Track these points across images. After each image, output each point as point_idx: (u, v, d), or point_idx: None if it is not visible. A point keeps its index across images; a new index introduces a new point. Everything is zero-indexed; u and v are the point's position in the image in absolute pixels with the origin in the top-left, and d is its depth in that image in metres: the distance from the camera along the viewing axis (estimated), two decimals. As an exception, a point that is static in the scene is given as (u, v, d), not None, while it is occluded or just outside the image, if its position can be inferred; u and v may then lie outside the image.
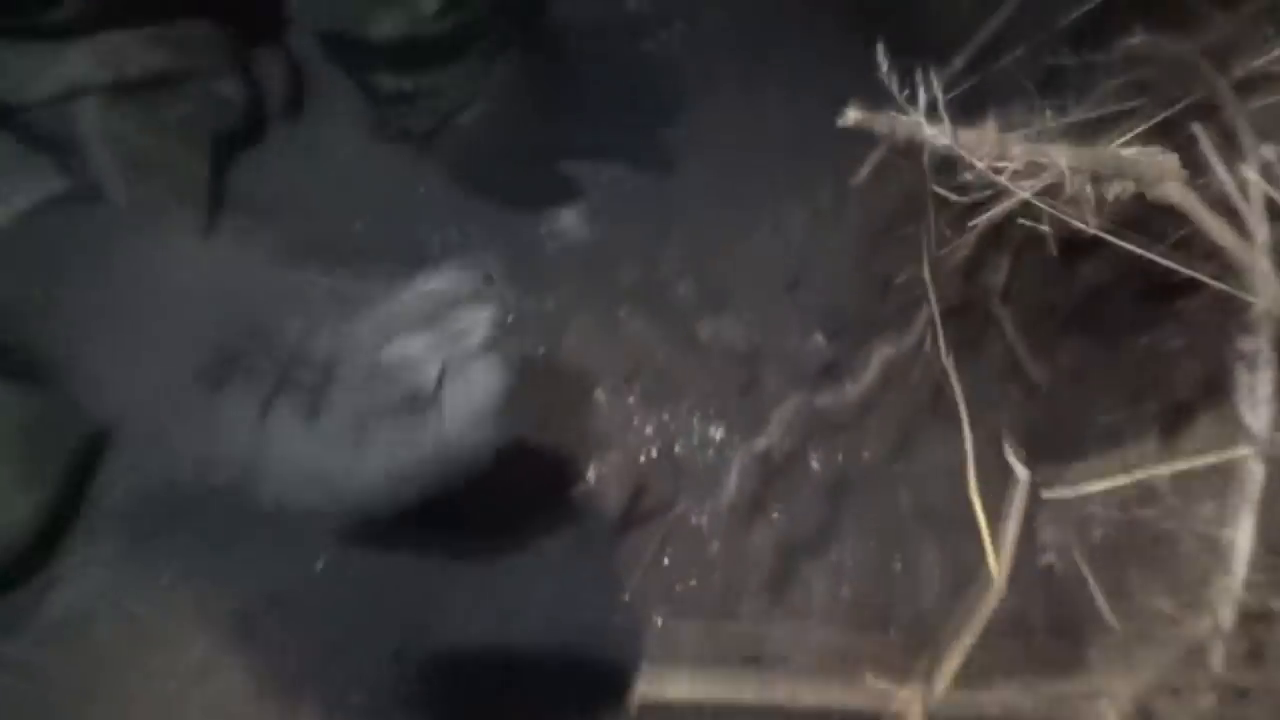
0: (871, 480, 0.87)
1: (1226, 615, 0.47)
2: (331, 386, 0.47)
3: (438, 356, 0.49)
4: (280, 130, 0.81)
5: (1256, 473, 0.49)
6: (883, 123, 0.46)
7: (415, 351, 0.49)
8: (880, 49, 0.48)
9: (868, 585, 0.84)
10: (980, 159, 0.53)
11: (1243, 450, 0.50)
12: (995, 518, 0.87)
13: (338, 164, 0.80)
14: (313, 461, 0.47)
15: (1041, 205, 0.51)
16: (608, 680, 0.76)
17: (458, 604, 0.73)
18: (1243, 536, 0.48)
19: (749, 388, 0.83)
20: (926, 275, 0.70)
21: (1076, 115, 0.66)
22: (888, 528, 0.87)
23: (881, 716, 0.41)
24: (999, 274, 0.80)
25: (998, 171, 0.55)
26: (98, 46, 0.63)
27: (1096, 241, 0.76)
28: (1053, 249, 0.74)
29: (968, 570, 0.86)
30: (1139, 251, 0.55)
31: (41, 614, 0.68)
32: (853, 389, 0.74)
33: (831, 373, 0.86)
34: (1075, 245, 0.80)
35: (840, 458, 0.86)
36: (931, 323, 0.78)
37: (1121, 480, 0.56)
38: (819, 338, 0.85)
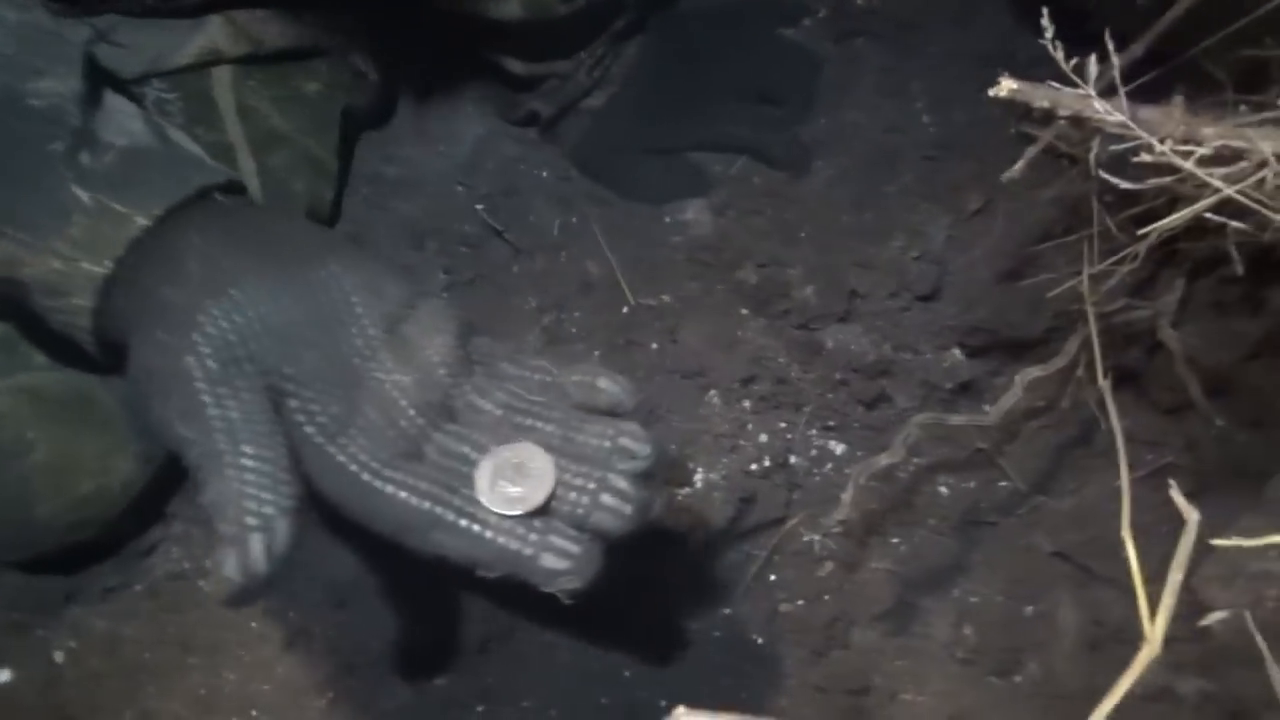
0: (1006, 514, 0.79)
1: None
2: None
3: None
4: (405, 113, 0.81)
5: None
6: (1042, 95, 0.40)
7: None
8: (1045, 14, 0.42)
9: (994, 629, 0.77)
10: (1161, 141, 0.46)
11: None
12: (1151, 569, 0.78)
13: (460, 147, 0.79)
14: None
15: (1243, 204, 0.44)
16: (700, 699, 0.71)
17: (544, 608, 0.70)
18: None
19: (875, 403, 0.77)
20: (1085, 290, 0.62)
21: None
22: (1020, 568, 0.79)
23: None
24: (1172, 294, 0.71)
25: (1181, 161, 0.47)
26: (236, 18, 0.64)
27: (1293, 260, 0.66)
28: (1238, 267, 0.65)
29: (1109, 625, 0.77)
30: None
31: (148, 570, 0.69)
32: (992, 412, 0.67)
33: (968, 392, 0.79)
34: (1266, 263, 0.70)
35: (973, 486, 0.79)
36: (1088, 344, 0.70)
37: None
38: (956, 353, 0.78)
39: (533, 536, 0.45)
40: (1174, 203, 0.62)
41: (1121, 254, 0.64)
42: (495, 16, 0.67)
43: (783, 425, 0.76)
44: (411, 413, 0.47)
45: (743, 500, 0.73)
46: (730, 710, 0.27)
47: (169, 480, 0.68)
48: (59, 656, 0.68)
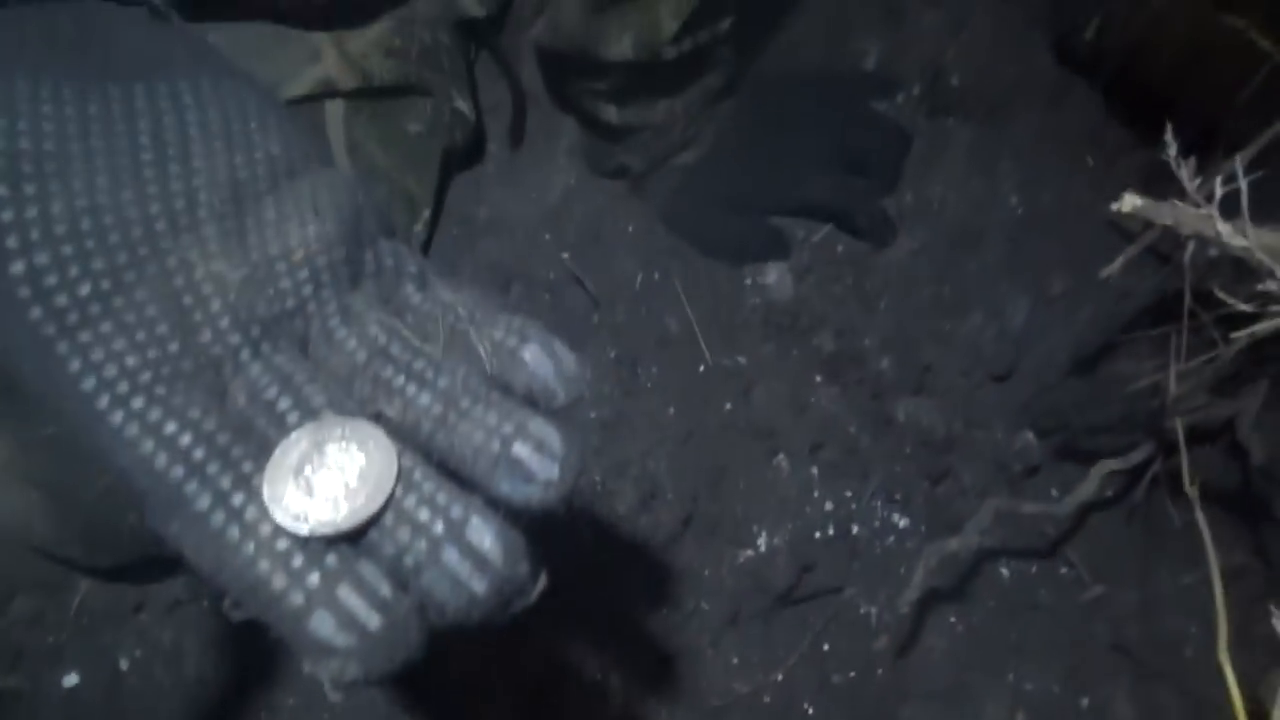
0: (1067, 602, 0.78)
1: None
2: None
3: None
4: (498, 156, 0.83)
5: None
6: (1165, 213, 0.41)
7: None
8: (1169, 130, 0.43)
9: (1048, 718, 0.76)
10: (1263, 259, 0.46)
11: None
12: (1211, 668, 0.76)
13: (550, 194, 0.81)
14: None
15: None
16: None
17: (595, 667, 0.70)
18: None
19: (941, 478, 0.77)
20: (1173, 387, 0.62)
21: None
22: (1078, 658, 0.78)
23: None
24: (1256, 396, 0.70)
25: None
26: (348, 52, 0.66)
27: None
28: (1330, 377, 0.64)
29: (1165, 724, 0.76)
30: None
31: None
32: (1066, 502, 0.66)
33: (1037, 475, 0.78)
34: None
35: (1035, 571, 0.78)
36: (1164, 441, 0.69)
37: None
38: (1028, 436, 0.77)
39: (313, 577, 0.28)
40: (1267, 303, 0.62)
41: (1210, 355, 0.63)
42: (606, 57, 0.69)
43: (848, 494, 0.76)
44: (223, 322, 0.31)
45: (803, 567, 0.73)
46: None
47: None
48: (124, 664, 0.69)
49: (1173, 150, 0.43)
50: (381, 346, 0.32)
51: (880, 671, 0.75)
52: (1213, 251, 0.58)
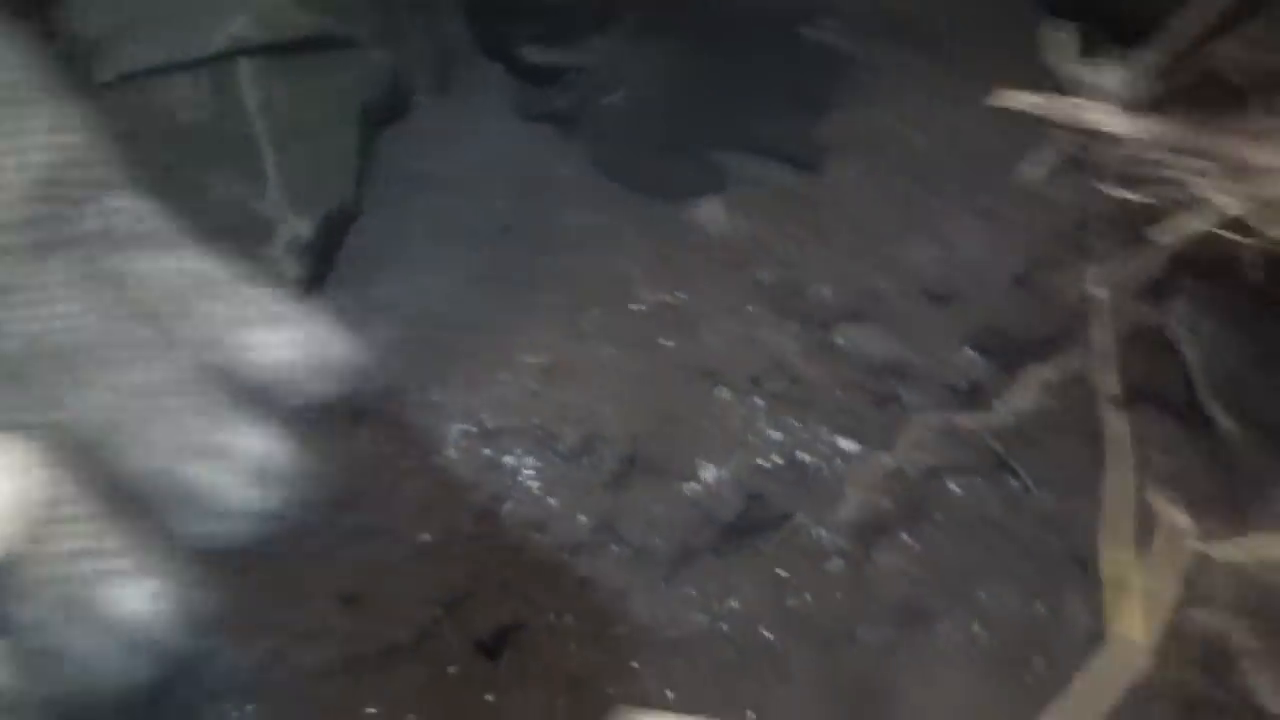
0: (1017, 514, 0.79)
1: None
2: None
3: None
4: (428, 108, 0.82)
5: None
6: (1038, 103, 0.40)
7: None
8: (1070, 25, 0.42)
9: (1005, 627, 0.77)
10: (1162, 152, 0.46)
11: None
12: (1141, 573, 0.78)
13: (482, 143, 0.80)
14: None
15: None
16: (705, 692, 0.72)
17: (549, 611, 0.71)
18: None
19: (886, 401, 0.78)
20: (1104, 293, 0.62)
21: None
22: (1031, 569, 0.79)
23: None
24: (1183, 297, 0.71)
25: (1197, 175, 0.48)
26: (261, 8, 0.65)
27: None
28: (1256, 274, 0.65)
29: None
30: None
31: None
32: (1003, 412, 0.67)
33: (982, 392, 0.79)
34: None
35: (985, 486, 0.79)
36: (1100, 349, 0.70)
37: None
38: (969, 353, 0.78)
39: None
40: (1192, 204, 0.63)
41: (1134, 258, 0.64)
42: None
43: (795, 423, 0.76)
44: None
45: (751, 496, 0.74)
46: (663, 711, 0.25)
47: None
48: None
49: (1063, 32, 0.42)
50: (66, 327, 0.24)
51: (838, 594, 0.76)
52: (1120, 151, 0.58)
